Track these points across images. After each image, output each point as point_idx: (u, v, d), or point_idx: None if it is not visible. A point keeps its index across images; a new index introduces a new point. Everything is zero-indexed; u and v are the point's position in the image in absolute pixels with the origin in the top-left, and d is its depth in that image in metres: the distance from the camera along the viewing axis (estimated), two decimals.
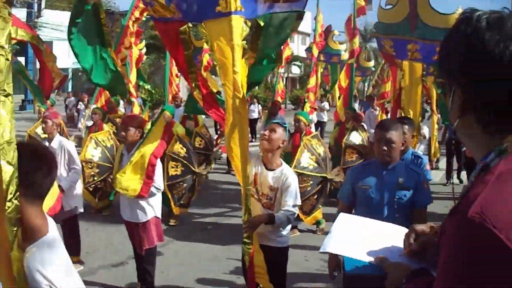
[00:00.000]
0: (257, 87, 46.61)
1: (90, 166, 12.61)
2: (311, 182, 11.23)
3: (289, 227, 6.52)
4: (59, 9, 51.27)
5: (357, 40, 16.74)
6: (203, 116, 16.17)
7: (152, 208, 7.88)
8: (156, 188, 7.81)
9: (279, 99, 19.44)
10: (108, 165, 12.58)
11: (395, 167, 5.60)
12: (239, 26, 5.95)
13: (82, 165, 11.63)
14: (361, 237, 2.71)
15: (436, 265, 1.74)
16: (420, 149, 13.44)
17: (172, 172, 12.10)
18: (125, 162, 7.94)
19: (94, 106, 15.91)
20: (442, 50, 1.90)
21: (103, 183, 12.64)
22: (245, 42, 6.15)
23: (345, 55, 20.23)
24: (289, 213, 6.15)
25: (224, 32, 5.95)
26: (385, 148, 5.51)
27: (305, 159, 11.31)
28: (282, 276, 6.58)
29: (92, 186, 12.70)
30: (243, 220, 6.02)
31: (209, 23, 6.18)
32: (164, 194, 11.51)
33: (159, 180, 7.91)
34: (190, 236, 11.59)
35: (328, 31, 21.54)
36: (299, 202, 6.44)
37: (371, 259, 2.44)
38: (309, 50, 21.40)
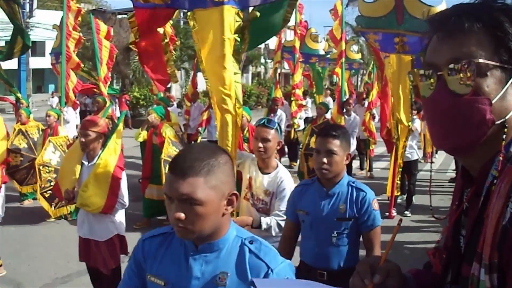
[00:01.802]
0: (250, 83, 46.60)
1: (47, 170, 11.93)
2: None
3: (278, 236, 5.94)
4: (51, 9, 51.29)
5: (343, 43, 16.85)
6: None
7: (115, 225, 7.06)
8: (122, 203, 6.96)
9: (279, 94, 19.54)
10: None
11: (337, 191, 4.89)
12: (231, 18, 5.84)
13: (39, 169, 11.63)
14: None
15: None
16: (414, 144, 13.43)
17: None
18: (86, 172, 7.00)
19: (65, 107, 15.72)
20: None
21: None
22: (236, 35, 6.02)
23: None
24: (279, 218, 5.77)
25: (215, 23, 5.84)
26: (325, 160, 4.80)
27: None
28: None
29: (48, 192, 11.81)
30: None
31: (199, 12, 6.05)
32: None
33: (124, 194, 7.00)
34: None
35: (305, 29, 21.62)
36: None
37: None
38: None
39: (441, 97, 1.77)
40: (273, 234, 5.75)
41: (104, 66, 16.12)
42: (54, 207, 11.82)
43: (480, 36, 1.72)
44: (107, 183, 6.75)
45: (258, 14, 6.34)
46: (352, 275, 1.90)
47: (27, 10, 36.03)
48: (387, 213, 12.40)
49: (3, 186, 9.15)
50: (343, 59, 16.90)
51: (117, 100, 27.31)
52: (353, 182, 4.96)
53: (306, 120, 21.16)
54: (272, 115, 15.86)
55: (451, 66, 1.73)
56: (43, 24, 35.00)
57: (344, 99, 16.32)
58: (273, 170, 5.99)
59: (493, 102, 1.69)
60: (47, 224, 11.95)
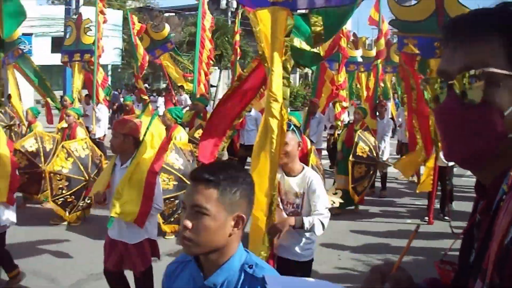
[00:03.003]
0: (297, 84, 46.24)
1: (58, 178, 11.37)
2: (365, 168, 12.79)
3: (316, 237, 6.14)
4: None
5: (382, 41, 16.66)
6: None
7: (146, 229, 6.80)
8: (157, 208, 6.81)
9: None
10: (80, 178, 11.50)
11: (219, 280, 2.70)
12: (283, 20, 5.73)
13: (50, 177, 11.28)
14: None
15: None
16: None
17: (163, 186, 10.26)
18: (118, 176, 6.77)
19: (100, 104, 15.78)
20: None
21: (73, 197, 11.46)
22: (288, 38, 5.96)
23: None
24: (322, 216, 5.77)
25: (268, 24, 5.79)
26: (188, 223, 2.57)
27: (359, 150, 12.79)
28: None
29: (60, 199, 11.41)
30: (266, 224, 5.81)
31: (261, 11, 5.94)
32: None
33: (159, 199, 6.86)
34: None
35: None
36: (328, 203, 6.04)
37: None
38: None
39: (451, 106, 1.71)
40: (317, 233, 5.79)
41: (142, 63, 16.24)
42: (69, 213, 11.52)
43: (493, 44, 1.65)
44: (140, 189, 6.58)
45: (315, 18, 6.33)
46: (363, 280, 1.90)
47: (73, 7, 36.34)
48: (426, 218, 12.34)
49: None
50: (379, 61, 16.74)
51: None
52: (251, 265, 2.76)
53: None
54: (311, 117, 15.71)
55: (462, 74, 1.66)
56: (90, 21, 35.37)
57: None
58: (299, 172, 6.01)
59: (505, 114, 1.62)
60: (84, 223, 12.00)
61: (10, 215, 7.88)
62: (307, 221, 5.67)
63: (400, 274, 1.86)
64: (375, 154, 13.15)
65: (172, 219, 10.93)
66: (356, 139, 12.91)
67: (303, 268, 6.07)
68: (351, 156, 12.64)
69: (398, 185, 16.73)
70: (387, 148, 15.54)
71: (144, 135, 6.81)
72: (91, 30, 16.90)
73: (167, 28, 18.41)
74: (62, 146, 11.68)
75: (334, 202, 11.15)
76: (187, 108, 24.90)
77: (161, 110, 26.52)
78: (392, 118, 22.74)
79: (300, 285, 2.66)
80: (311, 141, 14.63)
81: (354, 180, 12.72)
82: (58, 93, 20.78)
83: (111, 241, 6.87)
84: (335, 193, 11.49)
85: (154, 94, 33.55)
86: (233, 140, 16.88)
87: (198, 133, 13.30)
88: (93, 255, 9.17)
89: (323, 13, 6.49)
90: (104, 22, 17.39)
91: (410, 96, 12.22)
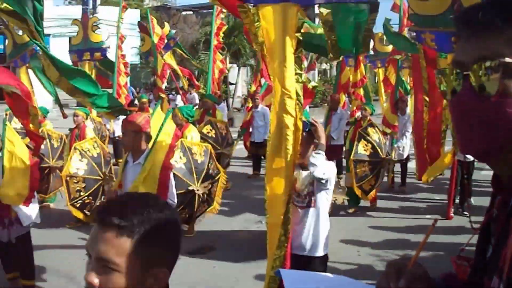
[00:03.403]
0: (316, 80, 46.05)
1: (75, 181, 11.28)
2: (369, 166, 12.46)
3: (328, 233, 6.24)
4: (114, 6, 51.93)
5: (405, 33, 16.49)
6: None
7: None
8: (171, 203, 6.60)
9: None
10: (95, 177, 11.53)
11: None
12: (293, 17, 5.75)
13: (67, 180, 11.20)
14: None
15: None
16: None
17: None
18: (130, 173, 6.76)
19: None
20: None
21: (91, 198, 11.43)
22: (299, 34, 5.96)
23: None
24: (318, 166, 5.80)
25: (278, 21, 5.76)
26: (93, 279, 1.75)
27: (361, 148, 12.48)
28: None
29: (78, 202, 11.33)
30: (283, 222, 5.83)
31: (263, 8, 5.97)
32: None
33: (172, 195, 6.87)
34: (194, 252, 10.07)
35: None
36: (329, 175, 5.95)
37: None
38: None
39: (466, 98, 1.66)
40: (316, 172, 5.82)
41: (160, 62, 16.25)
42: (88, 213, 11.52)
43: (508, 33, 1.60)
44: (155, 184, 6.56)
45: (325, 12, 6.31)
46: (380, 275, 1.86)
47: (90, 6, 36.49)
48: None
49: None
50: (399, 57, 16.60)
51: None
52: None
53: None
54: (332, 113, 15.60)
55: (478, 65, 1.61)
56: (106, 21, 35.53)
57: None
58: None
59: None
60: None
61: (33, 214, 7.90)
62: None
63: (416, 269, 1.83)
64: (379, 151, 12.79)
65: None
66: (357, 137, 12.72)
67: (320, 264, 6.15)
68: (352, 155, 12.48)
69: (417, 180, 16.66)
70: (408, 144, 15.26)
71: (158, 132, 6.84)
72: (99, 28, 16.88)
73: (167, 26, 18.31)
74: (74, 148, 11.58)
75: (336, 199, 11.16)
76: (196, 106, 25.04)
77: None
78: None
79: (316, 280, 2.64)
80: (332, 138, 14.61)
81: (358, 178, 12.49)
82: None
83: None
84: (340, 190, 11.54)
85: (173, 92, 33.54)
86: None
87: (207, 129, 13.66)
88: None
89: (331, 8, 6.50)
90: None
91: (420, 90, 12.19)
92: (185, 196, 10.41)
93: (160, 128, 6.94)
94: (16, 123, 12.44)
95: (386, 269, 1.89)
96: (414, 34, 11.70)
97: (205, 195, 10.84)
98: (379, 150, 12.72)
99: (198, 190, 10.47)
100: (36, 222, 8.14)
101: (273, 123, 5.92)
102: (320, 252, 6.20)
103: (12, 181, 7.54)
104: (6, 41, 15.02)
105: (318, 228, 6.09)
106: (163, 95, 14.76)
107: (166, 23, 17.39)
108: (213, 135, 14.01)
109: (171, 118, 7.61)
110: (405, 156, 15.01)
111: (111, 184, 7.23)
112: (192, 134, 11.17)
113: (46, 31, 15.76)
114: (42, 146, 12.20)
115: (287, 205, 5.77)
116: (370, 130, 12.89)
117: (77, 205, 11.31)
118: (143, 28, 19.49)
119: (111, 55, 16.87)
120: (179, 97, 29.04)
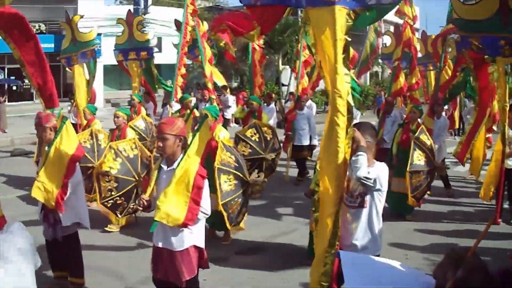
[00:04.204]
0: (368, 83, 45.82)
1: (107, 180, 11.09)
2: (424, 176, 12.24)
3: (380, 235, 6.15)
4: (165, 6, 52.34)
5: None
6: None
7: (192, 236, 6.45)
8: (204, 213, 6.43)
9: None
10: (130, 178, 11.31)
11: None
12: (342, 19, 5.74)
13: (98, 178, 11.06)
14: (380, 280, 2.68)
15: None
16: None
17: (226, 188, 10.17)
18: (164, 179, 6.49)
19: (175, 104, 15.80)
20: None
21: (123, 199, 11.25)
22: (347, 36, 5.97)
23: None
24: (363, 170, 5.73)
25: (327, 24, 5.75)
26: None
27: (416, 158, 12.26)
28: None
29: (109, 201, 11.19)
30: (334, 222, 5.81)
31: (312, 11, 5.95)
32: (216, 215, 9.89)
33: (206, 203, 6.43)
34: (228, 259, 10.00)
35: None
36: (373, 175, 5.82)
37: None
38: None
39: None
40: (357, 172, 5.75)
41: (208, 64, 16.28)
42: (120, 215, 11.37)
43: None
44: (188, 193, 6.25)
45: (367, 13, 6.29)
46: (437, 264, 1.86)
47: (142, 6, 36.85)
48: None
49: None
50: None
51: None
52: None
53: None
54: (386, 116, 15.44)
55: None
56: (158, 21, 35.85)
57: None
58: (370, 166, 5.95)
59: None
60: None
61: (73, 216, 8.01)
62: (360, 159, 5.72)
63: (475, 261, 1.85)
64: (433, 158, 12.57)
65: (239, 220, 10.52)
66: (412, 147, 12.37)
67: None
68: (408, 166, 12.13)
69: (466, 184, 16.52)
70: (443, 149, 15.05)
71: (193, 137, 6.70)
72: (144, 27, 16.93)
73: (205, 25, 18.34)
74: (110, 147, 11.48)
75: None
76: (230, 107, 24.99)
77: (233, 109, 26.73)
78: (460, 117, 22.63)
79: (374, 266, 2.69)
80: (384, 140, 14.53)
81: (412, 189, 12.25)
82: (128, 92, 21.08)
83: (157, 249, 6.59)
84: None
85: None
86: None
87: (250, 132, 13.44)
88: None
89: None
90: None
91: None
92: (245, 193, 10.48)
93: (195, 133, 6.79)
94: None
95: (445, 258, 1.91)
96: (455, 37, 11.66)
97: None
98: (432, 157, 12.54)
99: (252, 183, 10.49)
100: (84, 226, 8.22)
101: (326, 122, 5.94)
102: (371, 253, 6.15)
103: (49, 175, 7.70)
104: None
105: (370, 229, 6.04)
106: (213, 96, 14.78)
107: (205, 22, 17.28)
108: (256, 139, 13.66)
109: (207, 123, 7.47)
110: (440, 160, 14.50)
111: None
112: (222, 133, 10.90)
113: (97, 31, 16.00)
114: (88, 145, 12.55)
115: (338, 204, 5.78)
116: (422, 137, 12.59)
117: (108, 205, 11.19)
118: (180, 26, 19.53)
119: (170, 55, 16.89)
120: (231, 98, 29.14)
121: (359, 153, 5.76)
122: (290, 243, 10.66)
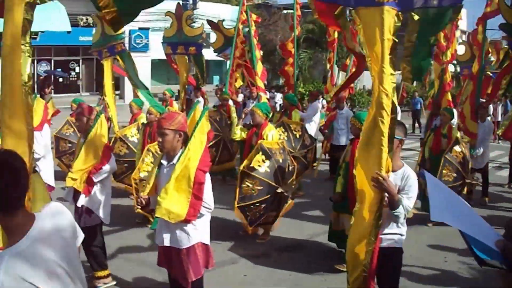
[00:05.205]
0: (414, 84, 45.60)
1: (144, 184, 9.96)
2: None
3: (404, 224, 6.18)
4: (214, 2, 52.55)
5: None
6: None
7: (198, 232, 6.41)
8: (206, 208, 6.33)
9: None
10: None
11: None
12: (391, 19, 5.77)
13: (136, 183, 10.58)
14: (459, 211, 2.79)
15: None
16: None
17: (245, 190, 10.11)
18: (164, 175, 6.44)
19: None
20: None
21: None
22: (394, 36, 5.99)
23: None
24: (404, 203, 5.75)
25: (376, 23, 5.78)
26: None
27: (444, 174, 12.13)
28: (395, 281, 6.28)
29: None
30: (374, 219, 5.75)
31: (362, 10, 5.98)
32: None
33: (208, 198, 6.34)
34: (267, 256, 9.97)
35: None
36: (412, 205, 5.94)
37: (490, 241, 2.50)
38: None
39: None
40: (397, 220, 5.91)
41: (260, 63, 16.24)
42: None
43: None
44: (189, 188, 6.18)
45: (416, 17, 6.31)
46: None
47: (191, 2, 37.07)
48: None
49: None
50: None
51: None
52: None
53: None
54: (434, 118, 15.29)
55: None
56: (207, 16, 36.07)
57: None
58: (399, 168, 6.05)
59: None
60: None
61: (95, 204, 8.19)
62: (399, 205, 5.71)
63: None
64: (463, 173, 12.29)
65: (261, 222, 10.41)
66: (442, 163, 12.16)
67: (395, 256, 6.21)
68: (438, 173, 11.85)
69: (507, 189, 16.40)
70: (486, 153, 14.73)
71: (193, 131, 6.50)
72: (194, 22, 16.93)
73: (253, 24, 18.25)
74: (148, 150, 10.96)
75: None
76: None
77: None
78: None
79: (453, 199, 2.78)
80: None
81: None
82: (175, 87, 21.12)
83: (164, 249, 6.58)
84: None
85: (273, 90, 33.66)
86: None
87: (278, 131, 12.84)
88: None
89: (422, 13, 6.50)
90: (256, 22, 17.47)
91: None
92: (273, 200, 10.27)
93: (195, 127, 6.58)
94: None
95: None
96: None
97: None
98: (463, 171, 12.30)
99: (284, 192, 10.32)
100: (105, 221, 8.35)
101: (368, 118, 5.95)
102: (398, 244, 6.20)
103: (83, 164, 8.03)
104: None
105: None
106: (262, 93, 14.77)
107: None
108: (285, 137, 13.35)
109: (207, 116, 7.14)
110: (483, 165, 14.48)
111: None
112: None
113: (145, 25, 16.12)
114: (136, 140, 12.67)
115: (380, 202, 5.77)
116: (455, 150, 12.41)
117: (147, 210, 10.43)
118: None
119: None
120: (278, 95, 29.14)
121: (397, 211, 5.76)
122: (327, 243, 10.50)
